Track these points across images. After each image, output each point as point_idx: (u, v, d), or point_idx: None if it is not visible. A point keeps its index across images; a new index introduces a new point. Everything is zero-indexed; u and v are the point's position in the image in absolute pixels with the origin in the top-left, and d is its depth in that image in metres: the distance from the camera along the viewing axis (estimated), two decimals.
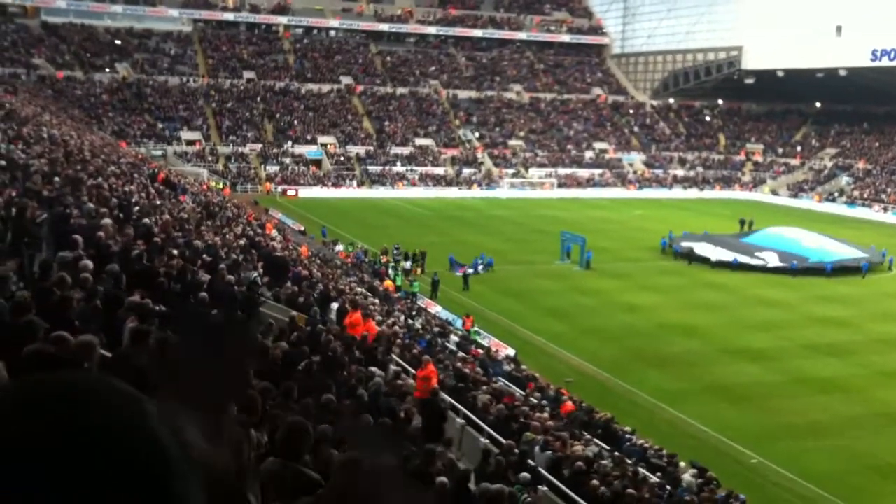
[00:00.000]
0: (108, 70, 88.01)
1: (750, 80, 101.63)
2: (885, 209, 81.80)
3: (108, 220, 14.30)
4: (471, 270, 45.72)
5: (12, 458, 0.89)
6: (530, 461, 15.12)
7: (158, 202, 24.31)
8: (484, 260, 48.09)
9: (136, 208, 19.27)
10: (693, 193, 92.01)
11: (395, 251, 48.05)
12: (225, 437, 1.29)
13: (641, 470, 18.59)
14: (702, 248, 53.41)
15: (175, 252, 15.36)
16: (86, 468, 0.90)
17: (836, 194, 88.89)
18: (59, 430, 0.91)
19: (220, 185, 69.33)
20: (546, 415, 20.28)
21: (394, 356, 18.91)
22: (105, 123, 77.33)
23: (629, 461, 18.83)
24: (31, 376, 0.98)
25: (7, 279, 8.94)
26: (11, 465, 0.88)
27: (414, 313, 34.43)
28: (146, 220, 17.53)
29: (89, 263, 10.49)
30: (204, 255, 17.71)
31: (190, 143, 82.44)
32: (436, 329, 31.52)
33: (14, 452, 0.89)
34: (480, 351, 30.12)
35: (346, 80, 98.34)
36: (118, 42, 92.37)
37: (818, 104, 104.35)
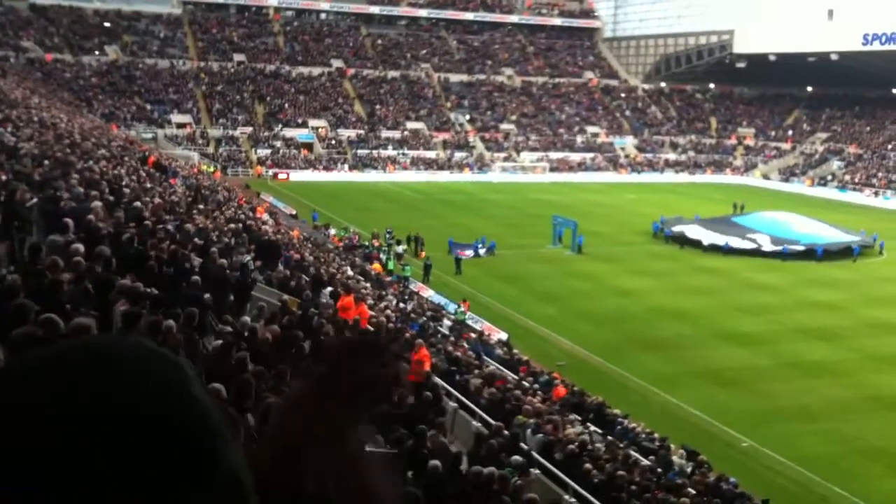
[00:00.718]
0: (97, 53, 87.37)
1: (741, 64, 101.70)
2: (876, 194, 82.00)
3: (98, 203, 14.19)
4: (470, 253, 45.53)
5: (14, 457, 0.73)
6: (522, 444, 15.13)
7: (149, 185, 24.15)
8: (485, 244, 47.93)
9: (127, 191, 19.14)
10: (684, 178, 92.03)
11: (387, 235, 47.84)
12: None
13: (633, 453, 18.63)
14: (693, 232, 53.41)
15: (166, 235, 15.26)
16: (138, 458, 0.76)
17: (828, 178, 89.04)
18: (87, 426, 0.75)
19: (212, 169, 69.01)
20: (538, 398, 20.30)
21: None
22: (95, 106, 76.84)
23: (621, 445, 18.85)
24: (49, 349, 0.82)
25: None
26: (14, 466, 0.72)
27: (406, 297, 34.40)
28: (137, 204, 17.41)
29: (80, 247, 10.41)
30: (195, 239, 17.61)
31: (180, 126, 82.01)
32: (428, 313, 31.50)
33: (24, 450, 0.73)
34: (473, 335, 30.13)
35: (336, 64, 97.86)
36: (107, 24, 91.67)
37: (810, 88, 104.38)
